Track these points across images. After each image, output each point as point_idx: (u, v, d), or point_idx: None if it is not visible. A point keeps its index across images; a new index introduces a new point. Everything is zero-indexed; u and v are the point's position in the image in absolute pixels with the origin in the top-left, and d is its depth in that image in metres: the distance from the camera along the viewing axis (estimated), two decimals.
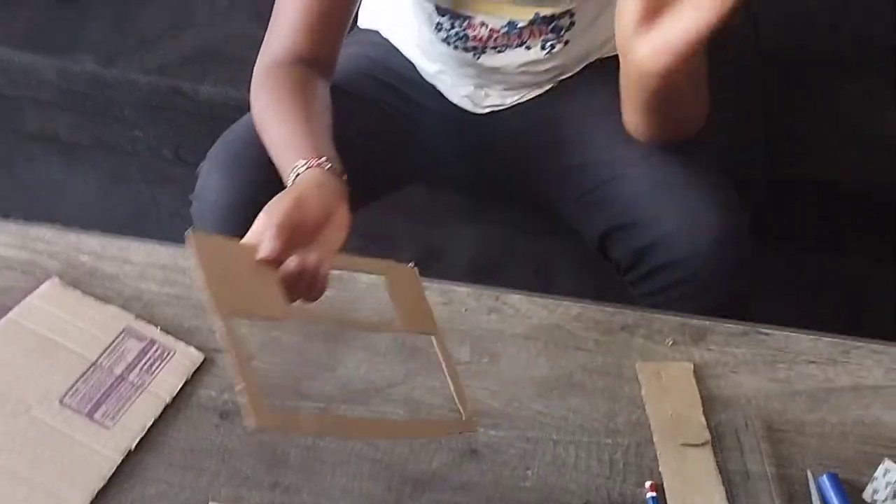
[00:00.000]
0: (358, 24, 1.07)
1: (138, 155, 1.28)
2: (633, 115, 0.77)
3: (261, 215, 0.60)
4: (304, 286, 0.59)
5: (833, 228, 1.16)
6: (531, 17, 0.85)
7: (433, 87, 0.98)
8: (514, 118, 0.95)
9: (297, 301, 0.60)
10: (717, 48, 1.15)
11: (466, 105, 0.96)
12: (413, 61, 0.97)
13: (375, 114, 0.94)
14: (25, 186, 1.40)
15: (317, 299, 0.60)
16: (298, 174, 0.67)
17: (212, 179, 0.82)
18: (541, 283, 1.28)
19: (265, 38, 0.83)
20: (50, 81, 1.19)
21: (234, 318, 0.54)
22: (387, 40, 1.00)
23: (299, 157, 0.68)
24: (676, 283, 0.80)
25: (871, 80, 1.20)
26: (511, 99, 0.95)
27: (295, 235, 0.59)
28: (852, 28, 1.28)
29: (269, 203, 0.61)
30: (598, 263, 0.94)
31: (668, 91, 0.69)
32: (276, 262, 0.58)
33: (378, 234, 1.29)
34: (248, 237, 0.59)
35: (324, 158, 0.68)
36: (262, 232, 0.58)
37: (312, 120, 0.74)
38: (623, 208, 0.84)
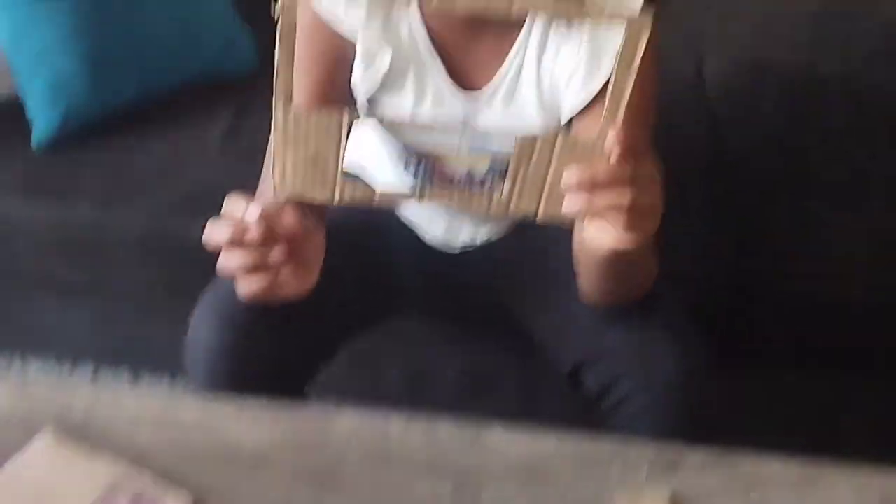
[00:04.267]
0: None
1: (132, 294, 1.32)
2: (583, 284, 0.82)
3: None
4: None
5: (801, 342, 1.20)
6: (489, 164, 0.90)
7: (410, 230, 1.03)
8: (485, 256, 1.01)
9: None
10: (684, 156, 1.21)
11: (441, 245, 1.01)
12: None
13: (354, 255, 0.98)
14: (21, 327, 1.44)
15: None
16: None
17: (202, 332, 0.86)
18: (525, 404, 1.31)
19: (259, 186, 0.87)
20: (47, 228, 1.24)
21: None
22: None
23: None
24: (641, 415, 0.84)
25: (832, 199, 1.26)
26: (481, 238, 1.00)
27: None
28: (813, 149, 1.35)
29: None
30: None
31: (614, 270, 0.73)
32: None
33: (364, 358, 1.32)
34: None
35: None
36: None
37: None
38: (588, 343, 0.87)
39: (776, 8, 1.56)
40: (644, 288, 0.82)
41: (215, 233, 0.64)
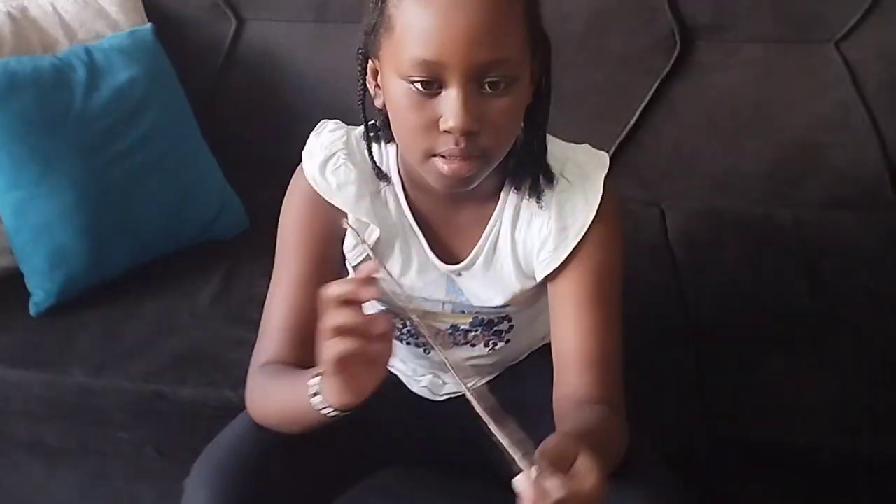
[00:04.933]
0: None
1: (120, 455, 1.34)
2: None
3: None
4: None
5: (776, 491, 1.22)
6: (471, 320, 0.97)
7: (396, 378, 1.07)
8: (470, 404, 1.04)
9: None
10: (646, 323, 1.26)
11: (425, 394, 1.06)
12: None
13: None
14: (7, 491, 1.44)
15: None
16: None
17: (198, 495, 0.88)
18: None
19: (255, 349, 0.93)
20: (40, 396, 1.27)
21: None
22: None
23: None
24: None
25: (794, 348, 1.32)
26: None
27: None
28: (773, 299, 1.42)
29: None
30: None
31: None
32: None
33: None
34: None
35: None
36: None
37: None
38: None
39: (733, 162, 1.67)
40: (618, 459, 0.86)
41: (340, 316, 0.70)
